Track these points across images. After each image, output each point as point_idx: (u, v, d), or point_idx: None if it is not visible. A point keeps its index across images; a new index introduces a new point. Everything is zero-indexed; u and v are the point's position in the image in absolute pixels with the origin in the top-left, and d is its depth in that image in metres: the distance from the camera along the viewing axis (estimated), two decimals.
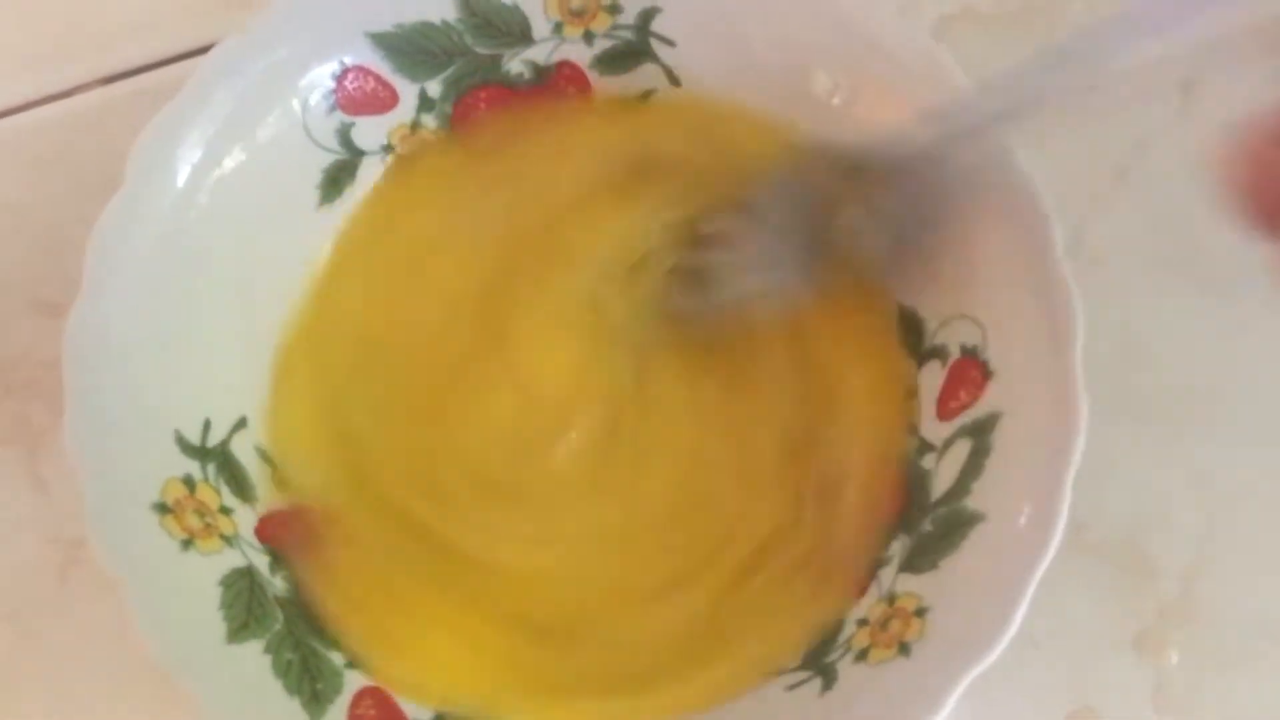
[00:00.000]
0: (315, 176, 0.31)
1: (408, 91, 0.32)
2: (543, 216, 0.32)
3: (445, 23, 0.31)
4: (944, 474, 0.28)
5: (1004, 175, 0.27)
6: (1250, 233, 0.18)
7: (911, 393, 0.30)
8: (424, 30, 0.31)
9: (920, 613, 0.26)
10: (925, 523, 0.28)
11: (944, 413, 0.29)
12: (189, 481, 0.28)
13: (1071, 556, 0.31)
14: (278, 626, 0.27)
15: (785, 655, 0.28)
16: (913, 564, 0.27)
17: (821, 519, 0.29)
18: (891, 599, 0.27)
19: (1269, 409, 0.33)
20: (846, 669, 0.27)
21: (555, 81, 0.32)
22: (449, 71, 0.32)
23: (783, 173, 0.30)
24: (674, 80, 0.32)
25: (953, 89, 0.28)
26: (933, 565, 0.27)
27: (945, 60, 0.29)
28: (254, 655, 0.26)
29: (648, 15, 0.31)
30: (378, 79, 0.31)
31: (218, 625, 0.26)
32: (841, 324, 0.30)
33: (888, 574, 0.28)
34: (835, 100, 0.31)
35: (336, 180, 0.31)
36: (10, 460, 0.33)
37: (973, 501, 0.27)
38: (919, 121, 0.28)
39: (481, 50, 0.32)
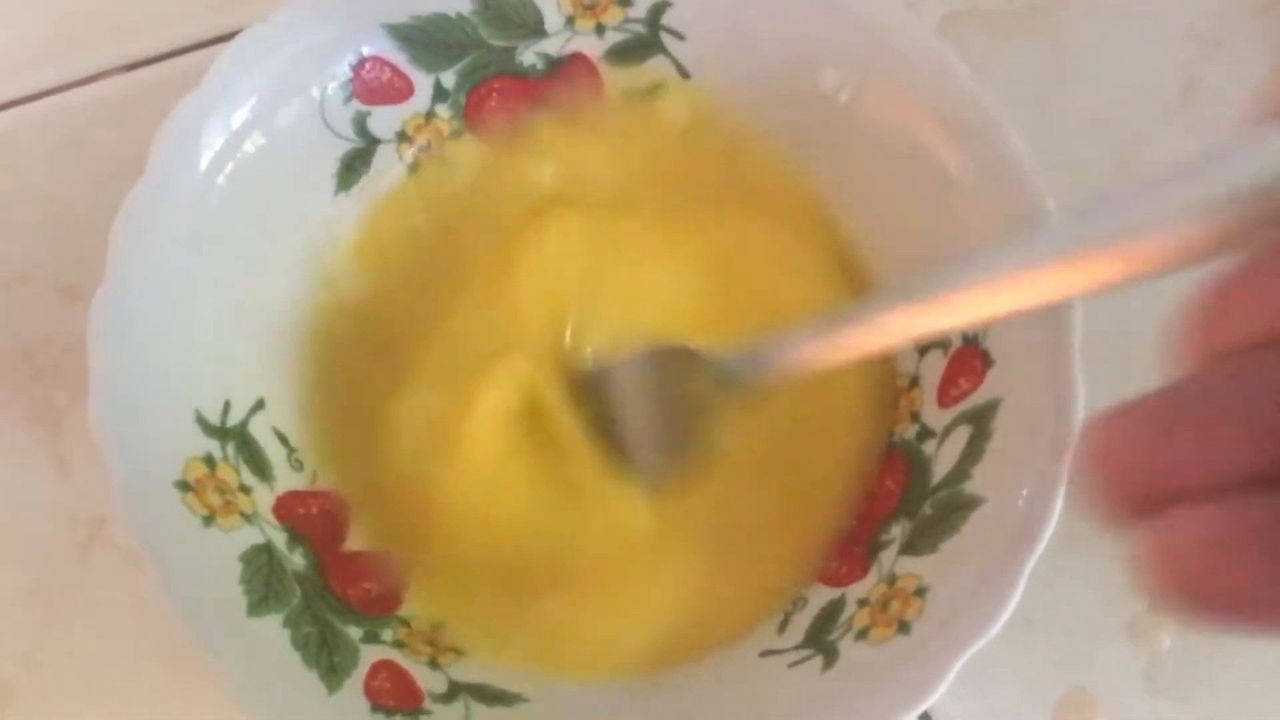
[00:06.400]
0: (332, 164, 0.32)
1: (423, 82, 0.32)
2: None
3: (460, 15, 0.32)
4: (944, 459, 0.29)
5: (1005, 172, 0.28)
6: (1112, 526, 0.16)
7: (913, 382, 0.30)
8: (440, 22, 0.32)
9: (920, 592, 0.27)
10: (925, 506, 0.28)
11: (945, 400, 0.29)
12: (209, 460, 0.28)
13: (1065, 546, 0.32)
14: (296, 601, 0.28)
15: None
16: (913, 546, 0.28)
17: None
18: (892, 580, 0.28)
19: None
20: (847, 647, 0.27)
21: (567, 73, 0.33)
22: (463, 63, 0.32)
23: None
24: (683, 73, 0.33)
25: (957, 86, 0.29)
26: (933, 547, 0.28)
27: (951, 58, 0.29)
28: (273, 628, 0.27)
29: (658, 9, 0.32)
30: (394, 69, 0.32)
31: (238, 599, 0.27)
32: None
33: (888, 556, 0.28)
34: (842, 97, 0.31)
35: (352, 167, 0.32)
36: (35, 441, 0.34)
37: (972, 485, 0.28)
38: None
39: (495, 42, 0.32)
